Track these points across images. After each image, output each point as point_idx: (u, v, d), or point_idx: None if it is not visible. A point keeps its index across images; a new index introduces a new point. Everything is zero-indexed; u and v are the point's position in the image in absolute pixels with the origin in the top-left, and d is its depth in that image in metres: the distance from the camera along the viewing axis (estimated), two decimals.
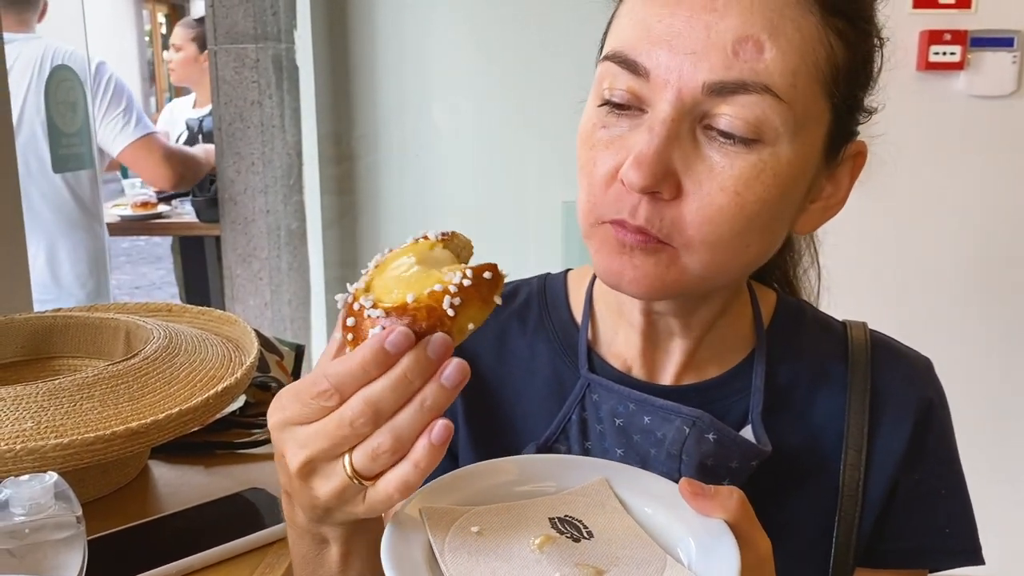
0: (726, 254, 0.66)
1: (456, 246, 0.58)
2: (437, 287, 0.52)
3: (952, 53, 2.20)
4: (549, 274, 0.89)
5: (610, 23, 0.73)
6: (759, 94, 0.61)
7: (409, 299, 0.52)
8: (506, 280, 0.55)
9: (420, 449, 0.52)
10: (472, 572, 0.55)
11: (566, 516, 0.61)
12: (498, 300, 0.54)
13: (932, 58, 2.20)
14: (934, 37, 2.20)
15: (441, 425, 0.52)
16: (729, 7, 0.62)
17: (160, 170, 2.68)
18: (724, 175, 0.62)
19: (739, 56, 0.61)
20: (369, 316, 0.52)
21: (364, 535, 0.64)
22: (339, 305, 0.55)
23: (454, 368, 0.52)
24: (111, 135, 2.56)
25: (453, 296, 0.52)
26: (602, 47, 0.74)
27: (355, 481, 0.53)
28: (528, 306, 0.85)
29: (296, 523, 0.62)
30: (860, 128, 0.72)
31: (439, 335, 0.51)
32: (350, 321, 0.53)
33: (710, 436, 0.73)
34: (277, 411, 0.55)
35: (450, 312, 0.52)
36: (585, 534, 0.60)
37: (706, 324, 0.77)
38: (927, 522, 0.79)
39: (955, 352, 2.36)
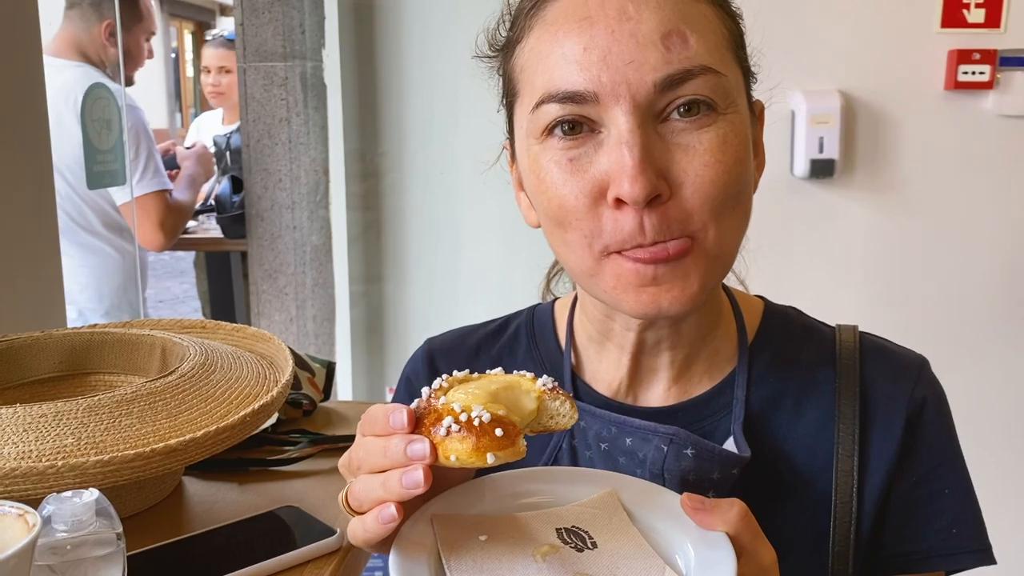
0: (730, 224, 0.69)
1: (552, 403, 0.62)
2: (458, 409, 0.58)
3: (981, 72, 2.18)
4: (538, 304, 0.90)
5: (510, 80, 0.75)
6: (703, 75, 0.66)
7: (440, 402, 0.59)
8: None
9: (393, 481, 0.59)
10: None
11: (573, 527, 0.63)
12: (492, 460, 0.56)
13: (961, 77, 2.18)
14: (963, 56, 2.18)
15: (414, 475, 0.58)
16: (641, 11, 0.66)
17: (152, 234, 2.53)
18: (701, 150, 0.66)
19: (671, 50, 0.66)
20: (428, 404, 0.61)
21: None
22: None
23: (415, 473, 0.57)
24: None
25: (457, 423, 0.57)
26: (510, 113, 0.77)
27: (348, 511, 0.64)
28: (517, 338, 0.86)
29: None
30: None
31: (422, 441, 0.58)
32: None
33: (688, 451, 0.73)
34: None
35: (442, 433, 0.57)
36: (589, 544, 0.61)
37: (695, 334, 0.77)
38: (930, 523, 0.77)
39: (983, 373, 2.33)
